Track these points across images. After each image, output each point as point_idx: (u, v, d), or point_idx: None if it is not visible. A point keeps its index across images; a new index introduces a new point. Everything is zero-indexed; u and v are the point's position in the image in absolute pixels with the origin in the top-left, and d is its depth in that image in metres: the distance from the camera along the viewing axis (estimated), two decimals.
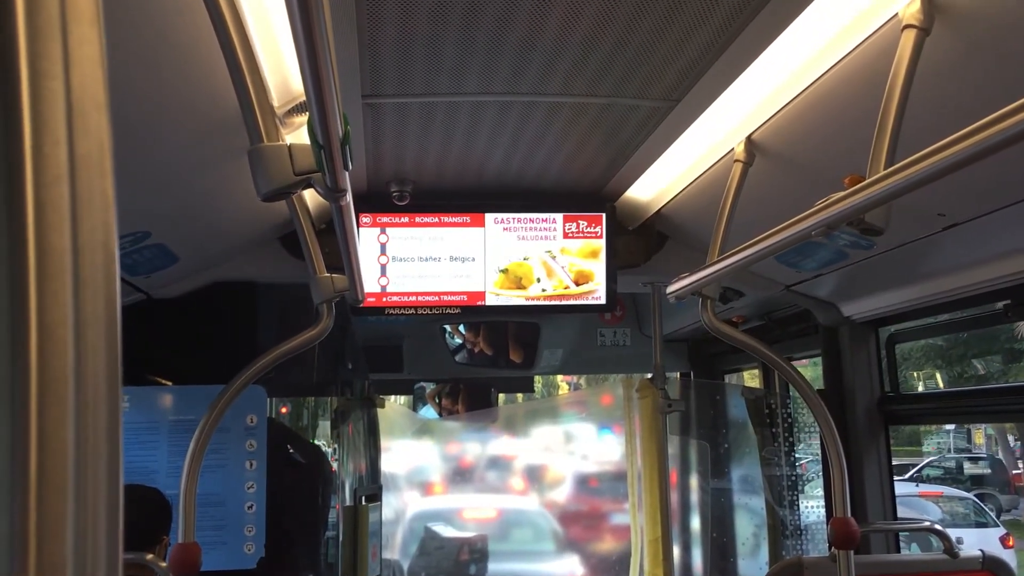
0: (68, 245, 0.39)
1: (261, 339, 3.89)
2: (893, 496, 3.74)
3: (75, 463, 0.39)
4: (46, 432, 0.38)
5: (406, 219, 3.55)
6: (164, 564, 2.59)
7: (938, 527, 3.17)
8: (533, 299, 3.63)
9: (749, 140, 2.60)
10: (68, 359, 0.39)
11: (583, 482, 6.23)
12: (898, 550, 3.79)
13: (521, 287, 3.61)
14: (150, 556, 2.64)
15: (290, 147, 1.47)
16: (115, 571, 0.40)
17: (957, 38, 1.81)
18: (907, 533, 6.29)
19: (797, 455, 4.41)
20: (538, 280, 3.61)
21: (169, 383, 3.78)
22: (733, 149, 2.67)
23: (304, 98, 2.34)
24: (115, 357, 0.41)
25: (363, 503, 4.02)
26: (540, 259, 3.61)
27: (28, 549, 0.37)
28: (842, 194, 1.70)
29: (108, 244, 0.41)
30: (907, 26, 1.76)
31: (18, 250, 0.39)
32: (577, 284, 3.62)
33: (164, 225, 2.87)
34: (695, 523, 5.05)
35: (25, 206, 0.39)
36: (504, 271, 3.60)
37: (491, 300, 3.61)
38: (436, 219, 3.57)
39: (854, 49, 1.99)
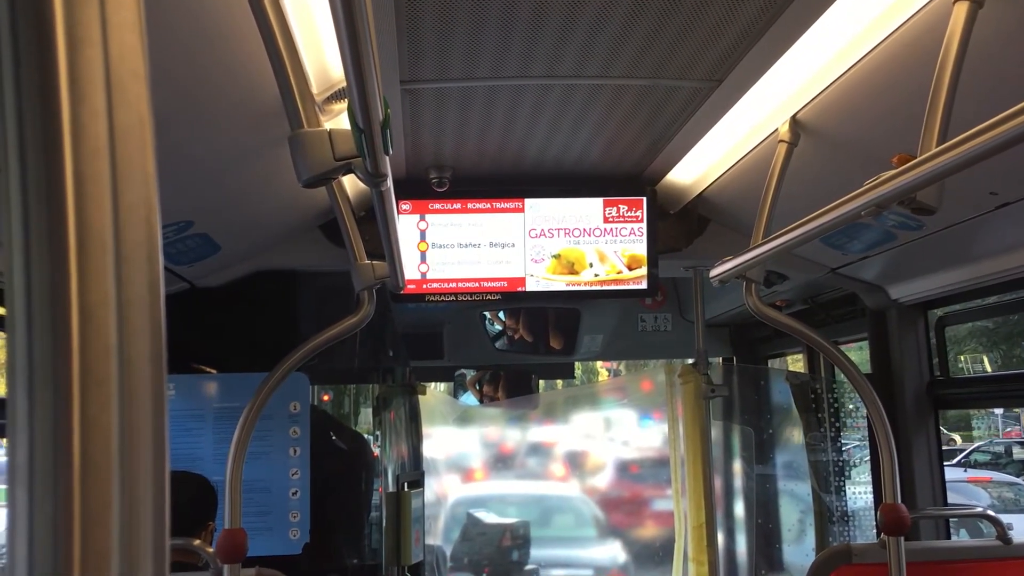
0: (109, 221, 0.38)
1: (303, 327, 3.91)
2: (943, 481, 3.68)
3: (119, 448, 0.38)
4: (89, 416, 0.37)
5: (445, 205, 3.54)
6: (211, 549, 2.62)
7: (991, 513, 3.10)
8: (573, 284, 3.60)
9: (794, 120, 2.55)
10: (110, 340, 0.38)
11: (624, 468, 6.21)
12: (948, 536, 3.73)
13: (574, 272, 3.59)
14: (197, 542, 2.68)
15: (330, 132, 1.47)
16: (162, 558, 0.39)
17: (1011, 10, 1.75)
18: (955, 519, 6.18)
19: (843, 440, 4.35)
20: (591, 265, 3.59)
21: (213, 371, 3.82)
22: (777, 129, 2.62)
23: (343, 84, 2.35)
24: (159, 338, 0.40)
25: (405, 489, 4.04)
26: (593, 244, 3.59)
27: (73, 537, 0.37)
28: (893, 173, 1.65)
29: (150, 220, 0.40)
30: None
31: (57, 227, 0.37)
32: (630, 269, 3.59)
33: (206, 215, 2.89)
34: (739, 509, 5.01)
35: (64, 181, 0.38)
36: (556, 256, 3.58)
37: (531, 286, 3.59)
38: (476, 205, 3.55)
39: (904, 24, 1.93)
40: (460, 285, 3.58)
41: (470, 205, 3.55)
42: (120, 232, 0.38)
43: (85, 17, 0.38)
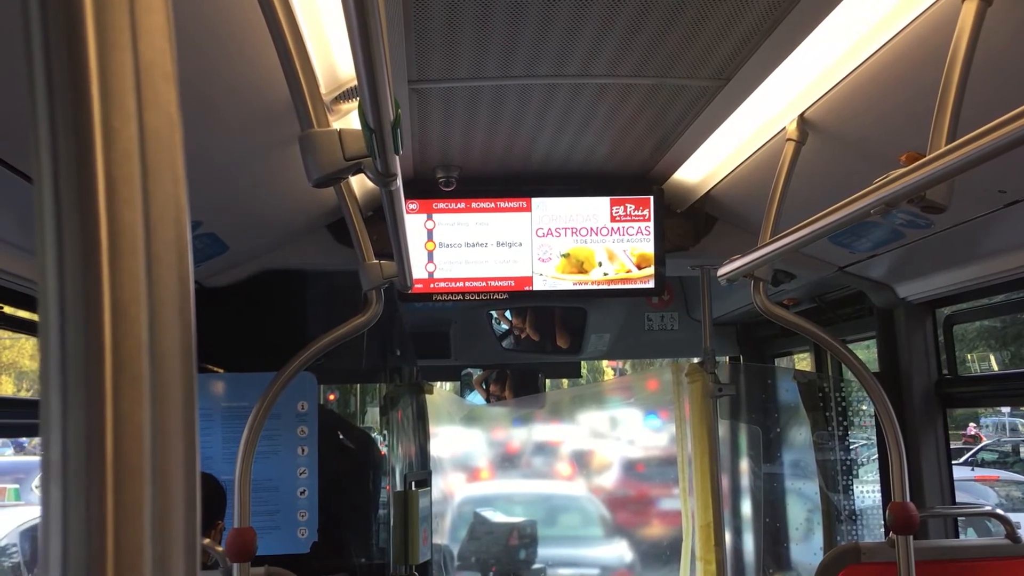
0: (140, 221, 0.39)
1: (311, 326, 3.92)
2: (951, 480, 3.67)
3: (151, 446, 0.38)
4: (121, 414, 0.38)
5: (453, 205, 3.55)
6: (220, 548, 2.63)
7: (999, 512, 3.10)
8: (581, 283, 3.61)
9: (802, 118, 2.55)
10: (142, 339, 0.38)
11: (630, 467, 6.20)
12: (956, 535, 3.72)
13: (583, 271, 3.59)
14: (207, 540, 2.68)
15: (340, 132, 1.47)
16: (193, 555, 0.39)
17: (1020, 8, 1.75)
18: (962, 518, 6.16)
19: (850, 439, 4.35)
20: (600, 264, 3.59)
21: (221, 371, 3.83)
22: (785, 128, 2.62)
23: (351, 84, 2.35)
24: (189, 335, 0.40)
25: (413, 488, 4.04)
26: (601, 243, 3.59)
27: (106, 534, 0.37)
28: (902, 171, 1.65)
29: (180, 219, 0.40)
30: None
31: (90, 228, 0.38)
32: (639, 268, 3.59)
33: (215, 214, 2.90)
34: (747, 508, 5.01)
35: (96, 183, 0.38)
36: (566, 255, 3.58)
37: (538, 285, 3.60)
38: (483, 204, 3.56)
39: (912, 21, 1.93)
40: (467, 284, 3.59)
41: (477, 204, 3.56)
42: (151, 232, 0.39)
43: (116, 22, 0.38)
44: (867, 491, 4.21)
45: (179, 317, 0.39)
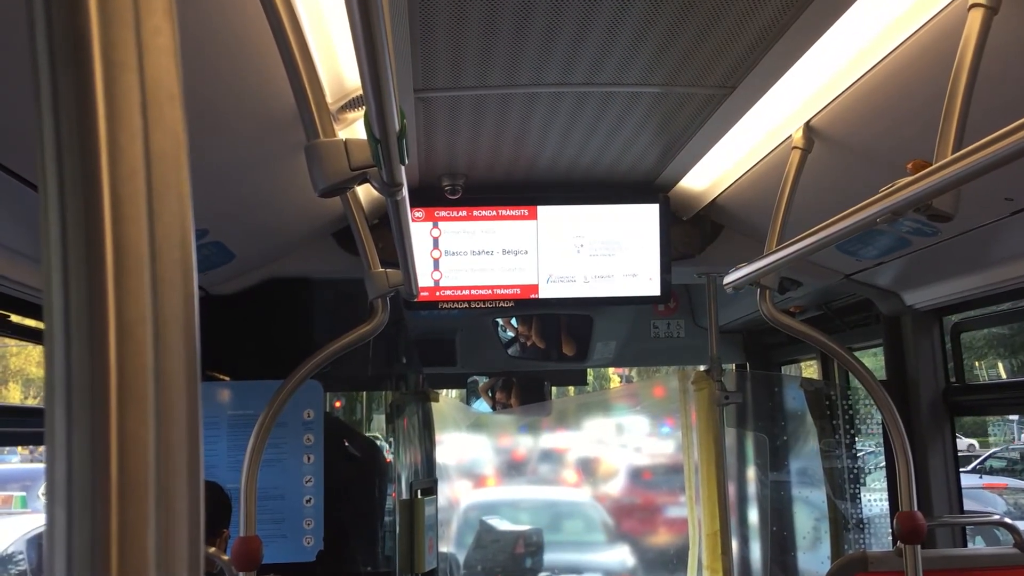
0: (145, 240, 0.39)
1: (317, 334, 3.92)
2: (959, 488, 3.65)
3: (156, 463, 0.38)
4: (126, 432, 0.38)
5: (458, 213, 3.55)
6: (226, 557, 2.63)
7: (1008, 520, 3.08)
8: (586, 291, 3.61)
9: (808, 126, 2.55)
10: (147, 358, 0.38)
11: (637, 475, 6.20)
12: (965, 544, 3.71)
13: None
14: (212, 549, 2.68)
15: (346, 142, 1.47)
16: (197, 572, 0.39)
17: None
18: (971, 526, 6.13)
19: (857, 447, 4.33)
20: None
21: (227, 379, 3.83)
22: (791, 136, 2.62)
23: (357, 94, 2.36)
24: (194, 354, 0.40)
25: (419, 496, 4.04)
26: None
27: (110, 552, 0.37)
28: (909, 179, 1.65)
29: (185, 239, 0.40)
30: (974, 5, 1.71)
31: (95, 247, 0.38)
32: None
33: (221, 223, 2.90)
34: (753, 516, 4.99)
35: (101, 202, 0.38)
36: None
37: (544, 292, 3.60)
38: (489, 213, 3.56)
39: (918, 30, 1.93)
40: (473, 292, 3.59)
41: (483, 212, 3.56)
42: (156, 251, 0.39)
43: (122, 41, 0.39)
44: (874, 499, 4.19)
45: (184, 336, 0.39)
